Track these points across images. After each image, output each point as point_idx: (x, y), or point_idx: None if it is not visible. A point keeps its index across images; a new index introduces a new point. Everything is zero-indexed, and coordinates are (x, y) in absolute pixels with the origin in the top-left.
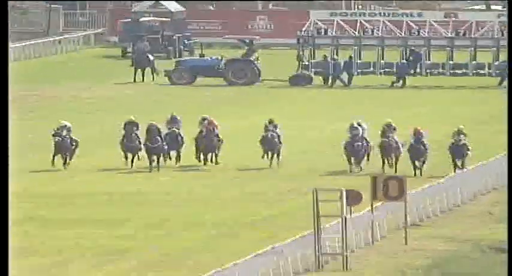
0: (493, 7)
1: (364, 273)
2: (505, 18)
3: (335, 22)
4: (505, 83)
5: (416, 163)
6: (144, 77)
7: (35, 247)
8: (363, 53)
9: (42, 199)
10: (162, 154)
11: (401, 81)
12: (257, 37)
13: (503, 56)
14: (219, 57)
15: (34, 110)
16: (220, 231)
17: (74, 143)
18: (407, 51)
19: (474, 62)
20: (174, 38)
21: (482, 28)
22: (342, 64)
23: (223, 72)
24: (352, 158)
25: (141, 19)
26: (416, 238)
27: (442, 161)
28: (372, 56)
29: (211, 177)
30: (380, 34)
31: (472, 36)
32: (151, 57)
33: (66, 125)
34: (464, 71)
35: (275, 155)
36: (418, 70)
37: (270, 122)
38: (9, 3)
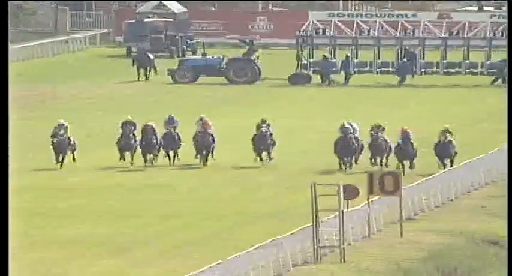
0: (485, 8)
1: (361, 265)
2: (496, 19)
3: (333, 22)
4: (500, 81)
5: (404, 163)
6: (147, 76)
7: (35, 243)
8: (360, 52)
9: (42, 197)
10: (157, 153)
11: (403, 79)
12: (257, 37)
13: (495, 56)
14: (221, 57)
15: (34, 110)
16: (221, 227)
17: (73, 142)
18: (403, 51)
19: (467, 61)
20: (177, 38)
21: (474, 28)
22: (340, 63)
23: (224, 71)
24: (344, 158)
25: (145, 20)
26: (411, 231)
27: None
28: (369, 55)
29: (211, 176)
30: (376, 34)
31: (465, 36)
32: (151, 56)
33: (63, 124)
34: (457, 70)
35: (266, 153)
36: (414, 69)
37: (263, 121)
38: (17, 4)
